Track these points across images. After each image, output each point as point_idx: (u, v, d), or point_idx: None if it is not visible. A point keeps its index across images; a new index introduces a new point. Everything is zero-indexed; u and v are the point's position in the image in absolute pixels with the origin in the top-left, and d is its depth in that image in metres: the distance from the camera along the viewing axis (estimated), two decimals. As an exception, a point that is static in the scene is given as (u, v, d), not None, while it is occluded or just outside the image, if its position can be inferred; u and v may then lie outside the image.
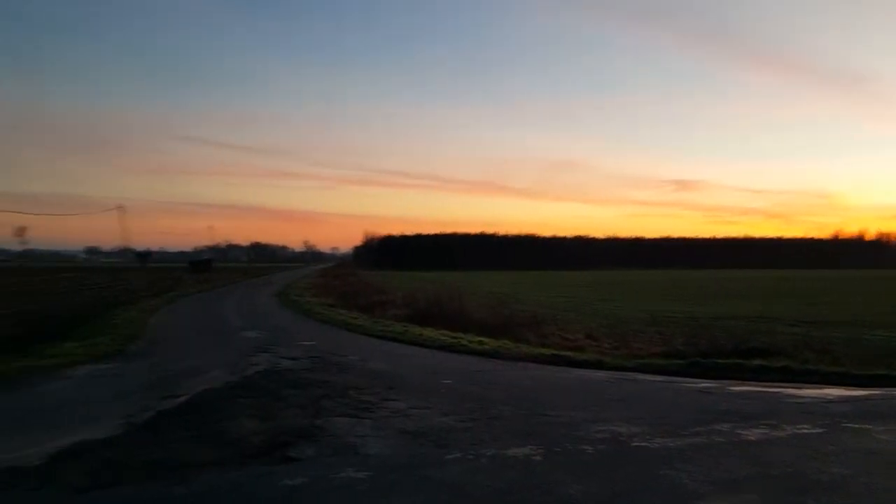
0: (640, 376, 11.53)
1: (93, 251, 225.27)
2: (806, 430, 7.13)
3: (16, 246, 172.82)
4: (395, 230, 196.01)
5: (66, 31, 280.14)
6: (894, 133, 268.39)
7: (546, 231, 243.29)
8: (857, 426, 7.31)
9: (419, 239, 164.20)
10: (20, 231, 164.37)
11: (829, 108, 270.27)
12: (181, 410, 8.31)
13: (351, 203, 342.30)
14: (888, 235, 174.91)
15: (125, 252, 51.69)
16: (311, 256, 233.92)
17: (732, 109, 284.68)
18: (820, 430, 7.13)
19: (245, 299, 36.53)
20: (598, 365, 12.77)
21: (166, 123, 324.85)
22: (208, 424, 7.43)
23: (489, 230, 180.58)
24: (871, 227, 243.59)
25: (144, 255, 45.17)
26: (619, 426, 7.27)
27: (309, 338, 17.43)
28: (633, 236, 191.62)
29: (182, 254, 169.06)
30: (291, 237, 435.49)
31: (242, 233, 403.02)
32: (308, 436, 6.87)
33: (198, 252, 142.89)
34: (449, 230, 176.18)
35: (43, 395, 9.97)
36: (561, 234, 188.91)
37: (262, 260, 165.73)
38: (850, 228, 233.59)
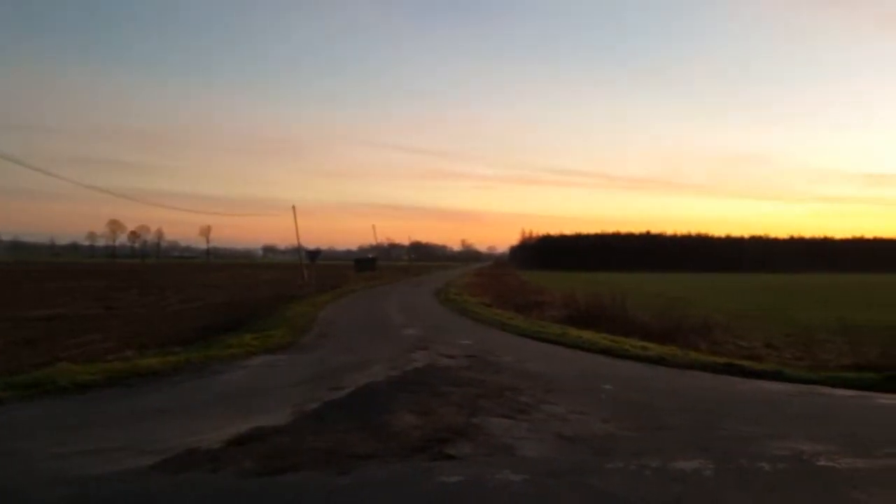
0: (826, 390, 10.52)
1: (269, 249, 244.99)
2: None
3: (202, 244, 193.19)
4: (555, 230, 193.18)
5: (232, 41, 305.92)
6: None
7: (720, 231, 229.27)
8: None
9: (579, 239, 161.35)
10: (205, 230, 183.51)
11: None
12: (346, 402, 8.68)
13: (509, 202, 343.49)
14: None
15: (297, 250, 55.56)
16: (468, 255, 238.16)
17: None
18: None
19: (406, 297, 37.86)
20: (778, 376, 11.81)
21: (333, 128, 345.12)
22: (371, 417, 7.68)
23: (656, 230, 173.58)
24: None
25: (314, 254, 48.22)
26: (802, 443, 6.58)
27: (466, 336, 17.66)
28: (820, 236, 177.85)
29: (348, 252, 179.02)
30: (450, 236, 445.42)
31: (403, 232, 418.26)
32: (465, 434, 6.87)
33: (363, 251, 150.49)
34: (612, 230, 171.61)
35: (224, 382, 10.89)
36: (737, 233, 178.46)
37: (421, 259, 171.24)
38: None
